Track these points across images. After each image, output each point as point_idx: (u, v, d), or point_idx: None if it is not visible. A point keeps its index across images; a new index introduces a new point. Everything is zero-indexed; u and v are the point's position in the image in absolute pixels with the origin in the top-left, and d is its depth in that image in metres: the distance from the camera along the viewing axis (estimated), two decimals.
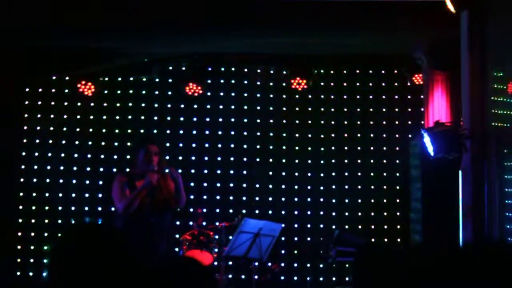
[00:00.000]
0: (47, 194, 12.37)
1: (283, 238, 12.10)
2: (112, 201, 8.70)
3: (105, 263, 3.00)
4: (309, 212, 12.62)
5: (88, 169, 12.48)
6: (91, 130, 12.55)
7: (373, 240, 12.38)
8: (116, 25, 10.38)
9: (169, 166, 8.66)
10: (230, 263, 11.71)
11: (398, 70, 12.71)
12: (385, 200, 12.67)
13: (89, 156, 12.50)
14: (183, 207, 9.17)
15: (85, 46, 11.48)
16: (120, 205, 8.41)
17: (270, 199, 12.58)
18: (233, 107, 12.78)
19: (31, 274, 12.13)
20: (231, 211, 12.27)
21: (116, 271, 2.99)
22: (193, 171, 12.54)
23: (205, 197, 12.50)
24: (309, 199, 12.64)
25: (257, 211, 12.35)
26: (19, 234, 12.23)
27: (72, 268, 3.00)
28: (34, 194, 12.34)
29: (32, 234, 12.27)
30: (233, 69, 12.84)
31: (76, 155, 12.49)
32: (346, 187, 12.69)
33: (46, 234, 12.26)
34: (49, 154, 12.45)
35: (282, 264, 12.16)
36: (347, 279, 11.99)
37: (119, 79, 12.66)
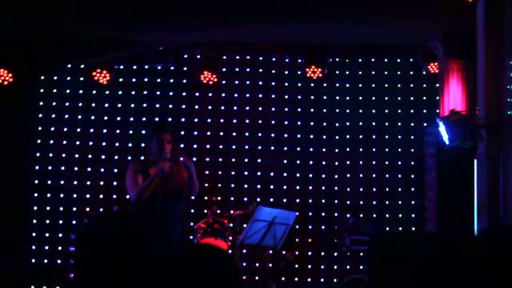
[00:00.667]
0: (61, 182, 12.41)
1: (297, 227, 12.08)
2: (126, 189, 8.73)
3: (129, 251, 3.01)
4: (323, 201, 12.61)
5: (103, 157, 12.51)
6: (106, 118, 12.57)
7: (387, 228, 12.36)
8: (131, 13, 10.39)
9: (182, 155, 8.65)
10: (245, 251, 11.71)
11: (413, 59, 12.65)
12: (399, 189, 12.63)
13: (103, 144, 12.53)
14: (196, 196, 9.18)
15: (100, 34, 11.49)
16: (132, 193, 8.41)
17: (285, 187, 12.57)
18: (248, 95, 12.77)
19: (45, 261, 12.18)
20: (245, 199, 12.28)
21: (139, 259, 3.00)
22: (207, 159, 12.55)
23: (219, 185, 12.50)
24: (323, 188, 12.63)
25: (271, 200, 12.35)
26: (34, 221, 12.28)
27: (97, 256, 3.02)
28: (49, 182, 12.39)
29: (47, 221, 12.32)
30: (248, 57, 12.82)
31: (90, 143, 12.52)
32: (361, 175, 12.66)
33: (60, 222, 12.31)
34: (64, 142, 12.49)
35: (296, 253, 12.16)
36: (361, 267, 11.98)
37: (134, 67, 12.67)
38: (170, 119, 12.57)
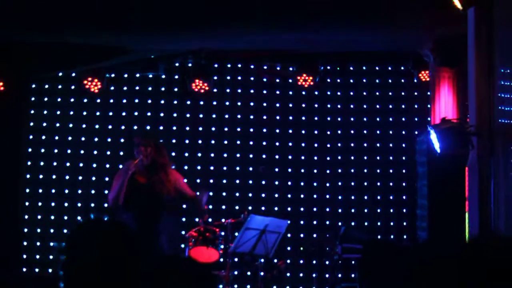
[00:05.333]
0: (53, 191, 12.38)
1: (289, 235, 12.08)
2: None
3: (119, 258, 3.01)
4: (315, 209, 12.61)
5: (94, 165, 12.49)
6: (97, 126, 12.56)
7: (379, 237, 12.37)
8: (122, 21, 10.38)
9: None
10: (236, 259, 11.70)
11: (404, 67, 12.68)
12: (391, 197, 12.66)
13: (95, 152, 12.51)
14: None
15: (92, 42, 11.48)
16: (108, 197, 8.78)
17: (276, 195, 12.57)
18: (239, 103, 12.77)
19: (37, 270, 12.15)
20: (237, 207, 12.27)
21: (129, 267, 3.00)
22: (199, 167, 12.54)
23: (211, 193, 12.48)
24: (315, 196, 12.64)
25: (263, 208, 12.34)
26: (25, 230, 12.25)
27: (87, 262, 3.01)
28: (40, 191, 12.36)
29: (38, 230, 12.29)
30: (239, 65, 12.83)
31: (82, 152, 12.50)
32: (352, 183, 12.68)
33: (52, 231, 12.28)
34: (55, 151, 12.47)
35: (288, 261, 12.14)
36: (353, 275, 11.98)
37: (126, 75, 12.66)
38: (161, 128, 12.56)
